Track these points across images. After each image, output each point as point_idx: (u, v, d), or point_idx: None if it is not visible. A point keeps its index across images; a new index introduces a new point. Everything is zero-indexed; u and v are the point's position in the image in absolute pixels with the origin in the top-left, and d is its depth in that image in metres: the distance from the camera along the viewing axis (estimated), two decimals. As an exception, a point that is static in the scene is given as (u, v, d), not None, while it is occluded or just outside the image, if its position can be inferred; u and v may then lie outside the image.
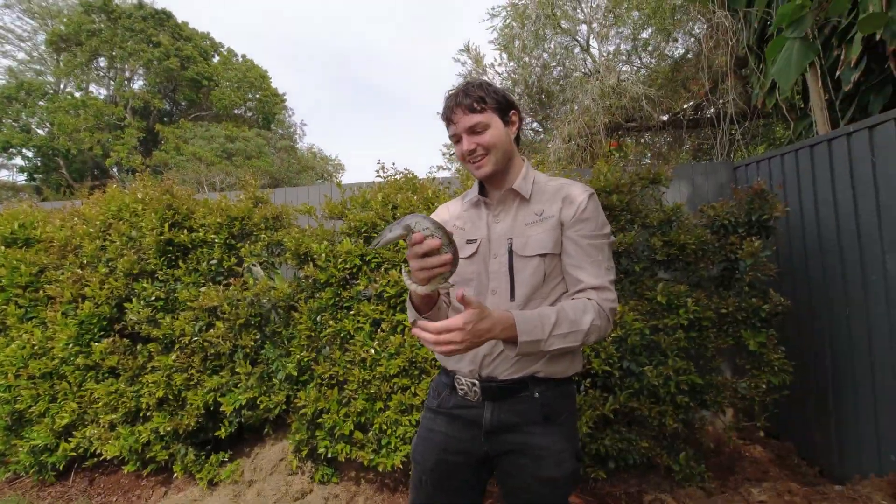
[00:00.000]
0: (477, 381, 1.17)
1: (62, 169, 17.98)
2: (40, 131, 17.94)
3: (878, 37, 2.63)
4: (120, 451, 2.75)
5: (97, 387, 2.79)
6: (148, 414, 2.83)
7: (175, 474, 2.84)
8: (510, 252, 1.18)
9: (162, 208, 2.92)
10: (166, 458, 2.80)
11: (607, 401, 2.42)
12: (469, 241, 1.24)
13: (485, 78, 7.72)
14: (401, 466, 2.49)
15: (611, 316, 1.10)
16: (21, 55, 19.34)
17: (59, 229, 3.20)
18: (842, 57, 2.91)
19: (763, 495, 2.22)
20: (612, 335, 2.40)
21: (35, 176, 18.57)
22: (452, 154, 8.84)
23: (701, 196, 3.54)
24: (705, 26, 5.94)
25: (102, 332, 2.94)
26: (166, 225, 2.88)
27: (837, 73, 2.98)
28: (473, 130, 1.17)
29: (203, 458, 2.87)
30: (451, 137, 1.24)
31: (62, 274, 3.01)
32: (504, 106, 1.21)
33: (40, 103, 17.60)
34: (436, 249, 0.95)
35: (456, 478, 1.20)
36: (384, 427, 2.50)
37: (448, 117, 1.20)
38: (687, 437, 2.70)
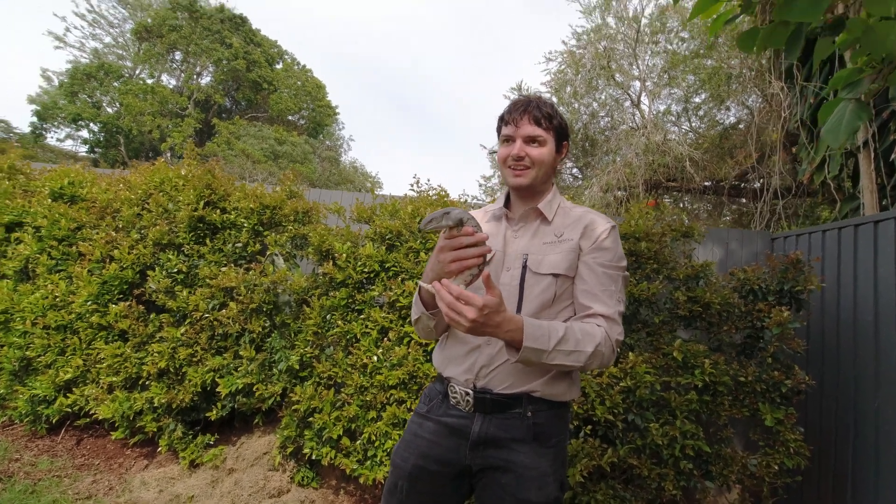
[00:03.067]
0: (471, 391, 1.14)
1: (121, 146, 19.05)
2: (109, 109, 19.17)
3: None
4: (112, 415, 2.77)
5: (105, 347, 2.84)
6: (147, 383, 2.85)
7: (159, 448, 2.83)
8: (524, 267, 1.17)
9: (201, 186, 3.03)
10: (155, 430, 2.79)
11: (606, 452, 2.30)
12: None
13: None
14: (383, 482, 2.41)
15: (616, 347, 1.08)
16: (108, 39, 21.00)
17: (104, 192, 3.34)
18: (898, 141, 2.84)
19: (762, 586, 2.04)
20: (621, 385, 2.31)
21: (96, 149, 19.73)
22: (489, 186, 8.87)
23: (734, 262, 3.44)
24: (759, 99, 5.93)
25: (121, 296, 3.01)
26: (202, 202, 2.98)
27: (892, 157, 2.90)
28: (531, 140, 1.19)
29: (190, 437, 2.86)
30: (502, 137, 1.25)
31: (97, 233, 3.13)
32: (562, 134, 1.25)
33: (115, 84, 18.88)
34: (482, 242, 0.97)
35: (433, 485, 1.15)
36: (373, 438, 2.45)
37: (512, 118, 1.21)
38: (686, 507, 2.53)
